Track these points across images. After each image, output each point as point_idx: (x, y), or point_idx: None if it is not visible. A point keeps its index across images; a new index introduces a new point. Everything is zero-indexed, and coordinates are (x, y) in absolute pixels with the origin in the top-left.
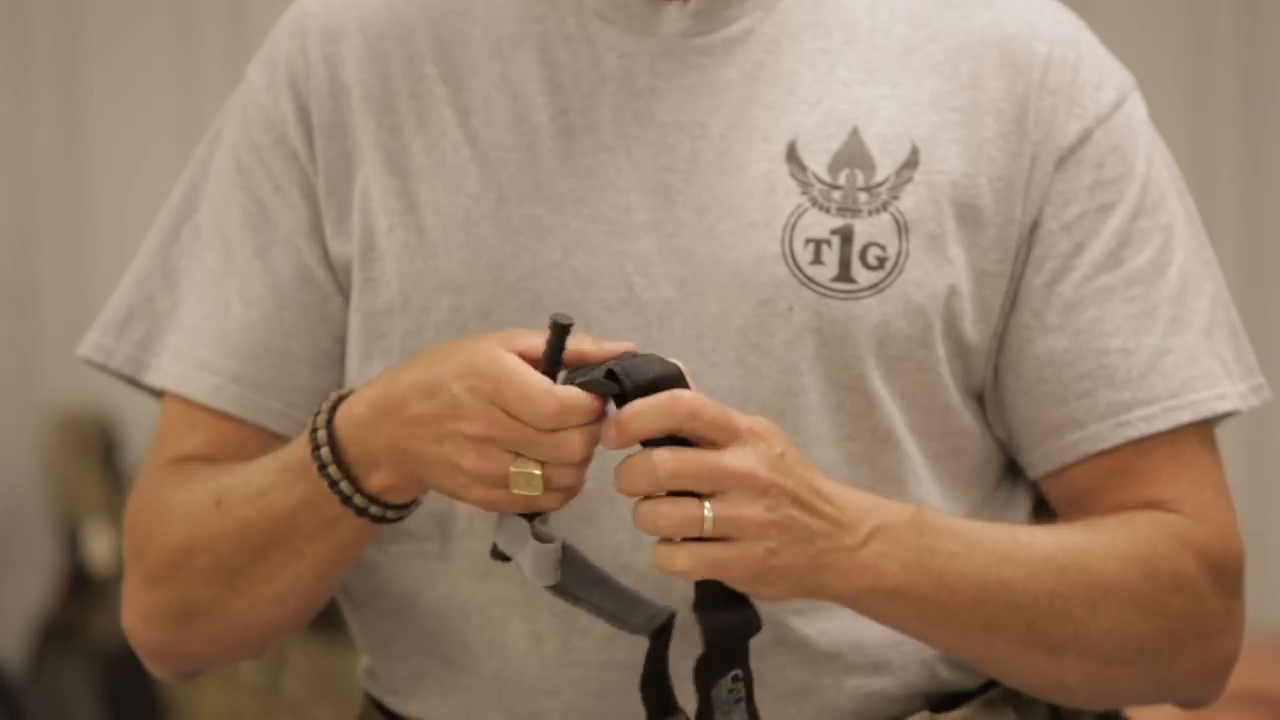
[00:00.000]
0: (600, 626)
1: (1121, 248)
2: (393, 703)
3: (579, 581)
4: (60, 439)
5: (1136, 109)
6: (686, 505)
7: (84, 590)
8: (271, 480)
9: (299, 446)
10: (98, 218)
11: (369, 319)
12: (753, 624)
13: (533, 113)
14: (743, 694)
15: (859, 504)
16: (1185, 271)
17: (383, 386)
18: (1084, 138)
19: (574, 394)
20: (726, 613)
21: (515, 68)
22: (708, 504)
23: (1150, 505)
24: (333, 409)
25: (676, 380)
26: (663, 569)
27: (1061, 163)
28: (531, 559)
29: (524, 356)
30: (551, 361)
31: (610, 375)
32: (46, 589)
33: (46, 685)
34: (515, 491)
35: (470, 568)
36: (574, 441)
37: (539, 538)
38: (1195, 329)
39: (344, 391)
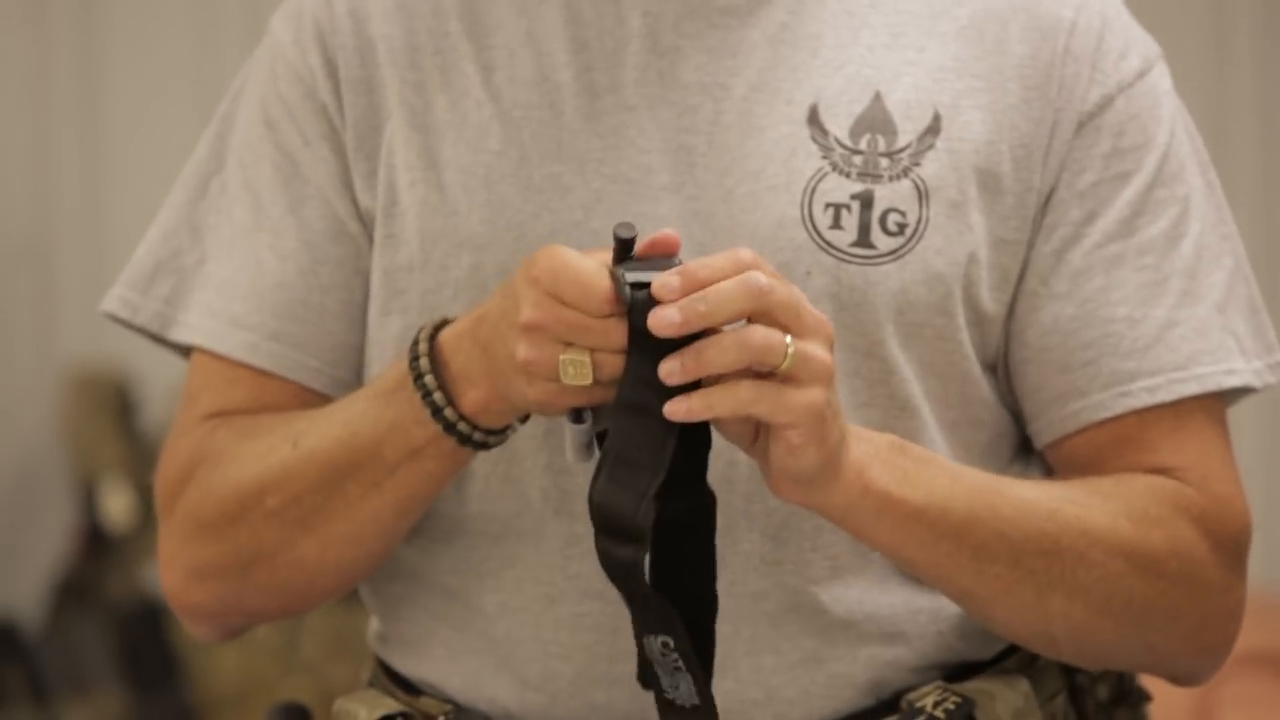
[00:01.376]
0: (613, 590)
1: (1135, 217)
2: (402, 665)
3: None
4: (77, 397)
5: (1161, 79)
6: (771, 330)
7: (100, 548)
8: (359, 409)
9: (393, 370)
10: (115, 175)
11: (389, 275)
12: (639, 564)
13: (556, 71)
14: (680, 665)
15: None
16: (1201, 245)
17: (483, 305)
18: (1104, 104)
19: (598, 277)
20: (620, 547)
21: (540, 25)
22: (789, 336)
23: (1152, 472)
24: (436, 327)
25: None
26: (715, 409)
27: (1080, 128)
28: (567, 436)
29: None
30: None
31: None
32: (63, 547)
33: (62, 643)
34: (565, 380)
35: (485, 529)
36: (621, 327)
37: (576, 418)
38: (1208, 303)
39: (449, 317)
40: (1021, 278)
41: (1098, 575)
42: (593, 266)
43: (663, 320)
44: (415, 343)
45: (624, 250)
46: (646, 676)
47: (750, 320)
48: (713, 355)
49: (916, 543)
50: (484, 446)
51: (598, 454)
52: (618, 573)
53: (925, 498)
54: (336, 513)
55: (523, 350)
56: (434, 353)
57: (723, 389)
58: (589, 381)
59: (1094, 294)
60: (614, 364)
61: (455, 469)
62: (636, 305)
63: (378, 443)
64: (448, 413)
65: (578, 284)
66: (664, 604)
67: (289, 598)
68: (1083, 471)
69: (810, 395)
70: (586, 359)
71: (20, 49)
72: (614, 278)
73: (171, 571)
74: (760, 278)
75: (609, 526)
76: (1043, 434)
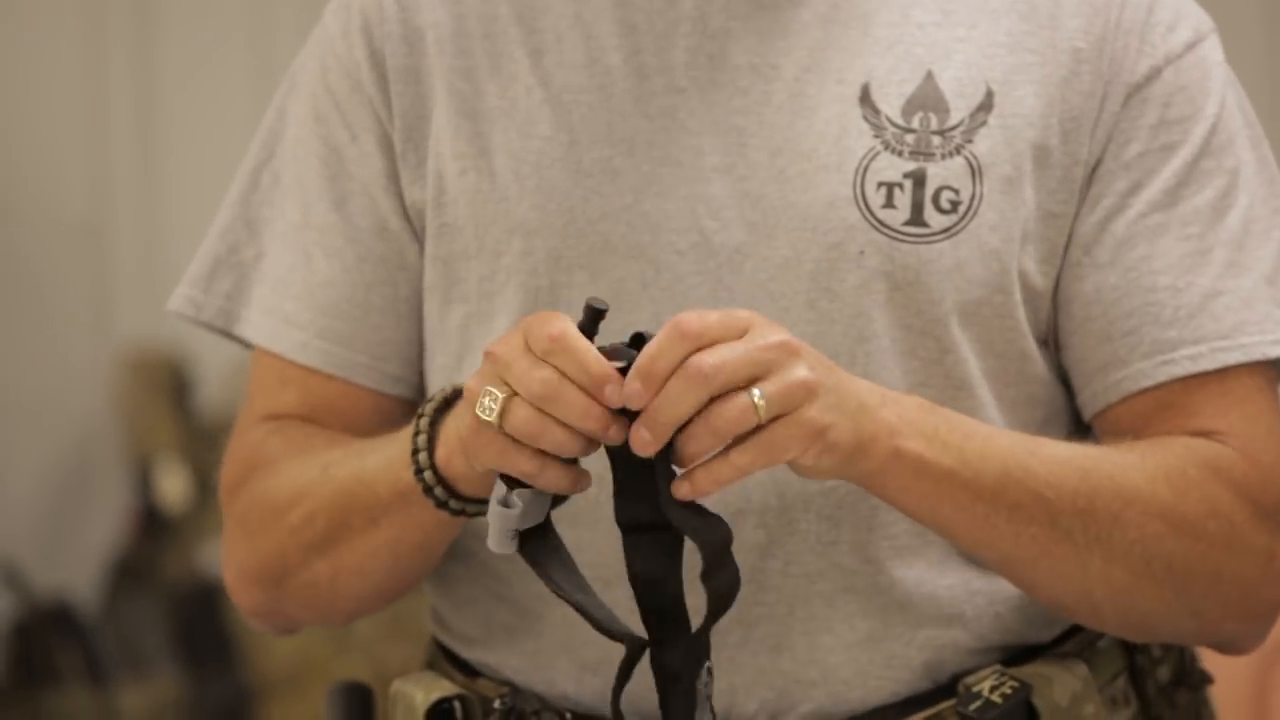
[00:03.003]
0: None
1: (1180, 187)
2: (460, 648)
3: (561, 576)
4: (133, 379)
5: (1212, 52)
6: (734, 399)
7: (155, 529)
8: (379, 443)
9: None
10: (172, 159)
11: (448, 265)
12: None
13: (605, 54)
14: (709, 691)
15: (857, 379)
16: (1250, 217)
17: None
18: (1152, 76)
19: (582, 340)
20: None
21: (589, 8)
22: (754, 389)
23: (1193, 435)
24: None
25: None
26: (721, 481)
27: (1128, 100)
28: (491, 521)
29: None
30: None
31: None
32: (118, 528)
33: (118, 624)
34: (476, 412)
35: None
36: (542, 371)
37: (504, 502)
38: (1255, 274)
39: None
40: (1066, 249)
41: (1135, 536)
42: (562, 317)
43: (642, 444)
44: (444, 388)
45: (592, 321)
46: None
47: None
48: (694, 448)
49: (953, 505)
50: (445, 507)
51: (514, 548)
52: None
53: (957, 458)
54: (342, 542)
55: (473, 379)
56: (449, 399)
57: (720, 463)
58: (492, 419)
59: (1136, 263)
60: (523, 414)
61: (440, 528)
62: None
63: (375, 478)
64: (420, 457)
65: (536, 321)
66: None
67: (318, 613)
68: (1124, 437)
69: (802, 421)
70: (502, 396)
71: (77, 35)
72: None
73: (227, 570)
74: (702, 363)
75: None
76: (1088, 405)
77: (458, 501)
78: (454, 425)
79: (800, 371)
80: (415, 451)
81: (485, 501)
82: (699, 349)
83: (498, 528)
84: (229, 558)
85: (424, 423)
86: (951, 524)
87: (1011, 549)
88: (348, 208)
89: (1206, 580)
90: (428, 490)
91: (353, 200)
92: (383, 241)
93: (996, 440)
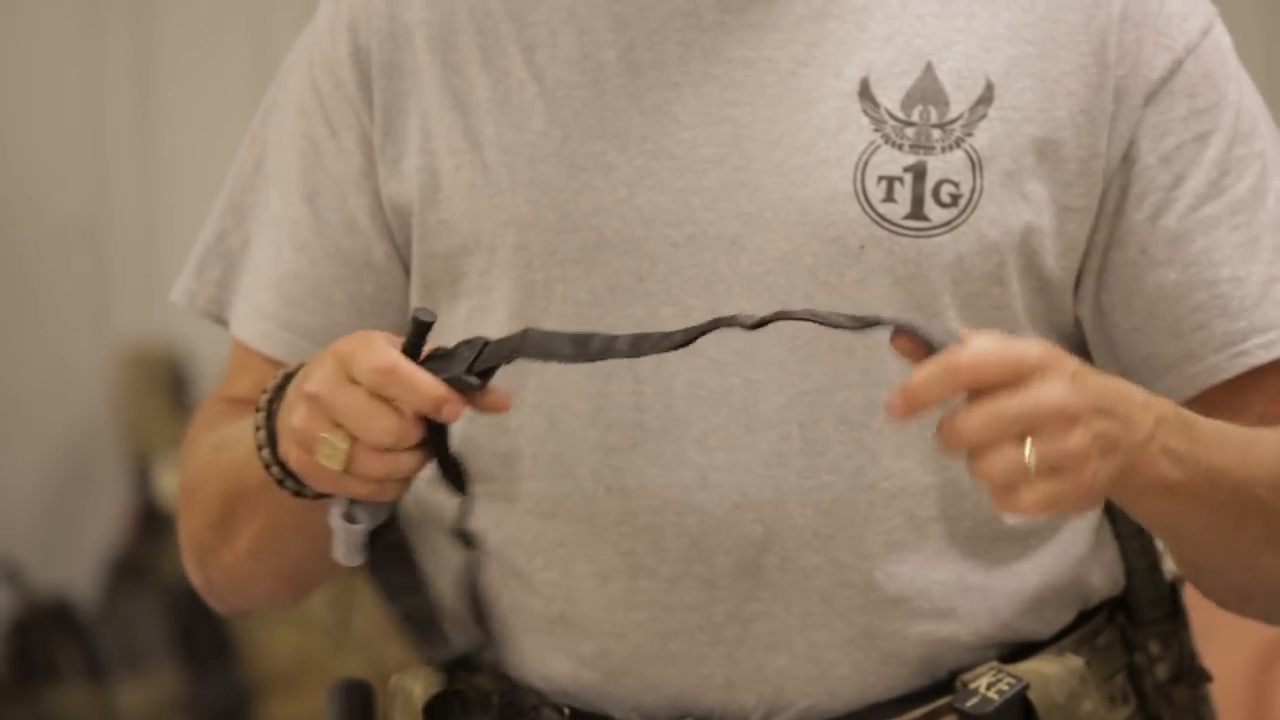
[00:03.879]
0: (666, 568)
1: (1222, 176)
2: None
3: (393, 577)
4: (131, 375)
5: (1222, 36)
6: (1006, 455)
7: (154, 526)
8: (246, 429)
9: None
10: (168, 156)
11: (449, 260)
12: None
13: (599, 49)
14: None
15: (1137, 398)
16: None
17: None
18: (1174, 69)
19: (410, 365)
20: None
21: (582, 3)
22: (1028, 447)
23: (1269, 424)
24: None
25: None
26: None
27: (1152, 96)
28: (335, 535)
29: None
30: (410, 352)
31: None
32: (117, 525)
33: (117, 622)
34: (318, 459)
35: (536, 507)
36: (385, 421)
37: (349, 517)
38: None
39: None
40: (1111, 247)
41: None
42: (383, 341)
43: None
44: (276, 376)
45: (419, 335)
46: None
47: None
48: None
49: (1190, 518)
50: (298, 494)
51: (361, 559)
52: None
53: (1204, 476)
54: (233, 527)
55: (297, 417)
56: (281, 390)
57: (1011, 499)
58: (339, 468)
59: (1196, 257)
60: (371, 460)
61: (309, 511)
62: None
63: (243, 468)
64: (264, 453)
65: (358, 354)
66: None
67: (239, 595)
68: None
69: (1069, 485)
70: (344, 446)
71: (74, 30)
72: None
73: (182, 547)
74: (967, 425)
75: None
76: None
77: (310, 490)
78: (287, 434)
79: (1072, 441)
80: (259, 448)
81: (308, 492)
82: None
83: (345, 542)
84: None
85: (261, 417)
86: (1184, 532)
87: (1229, 548)
88: (318, 202)
89: None
90: (280, 483)
91: (324, 195)
92: (350, 238)
93: (1229, 449)
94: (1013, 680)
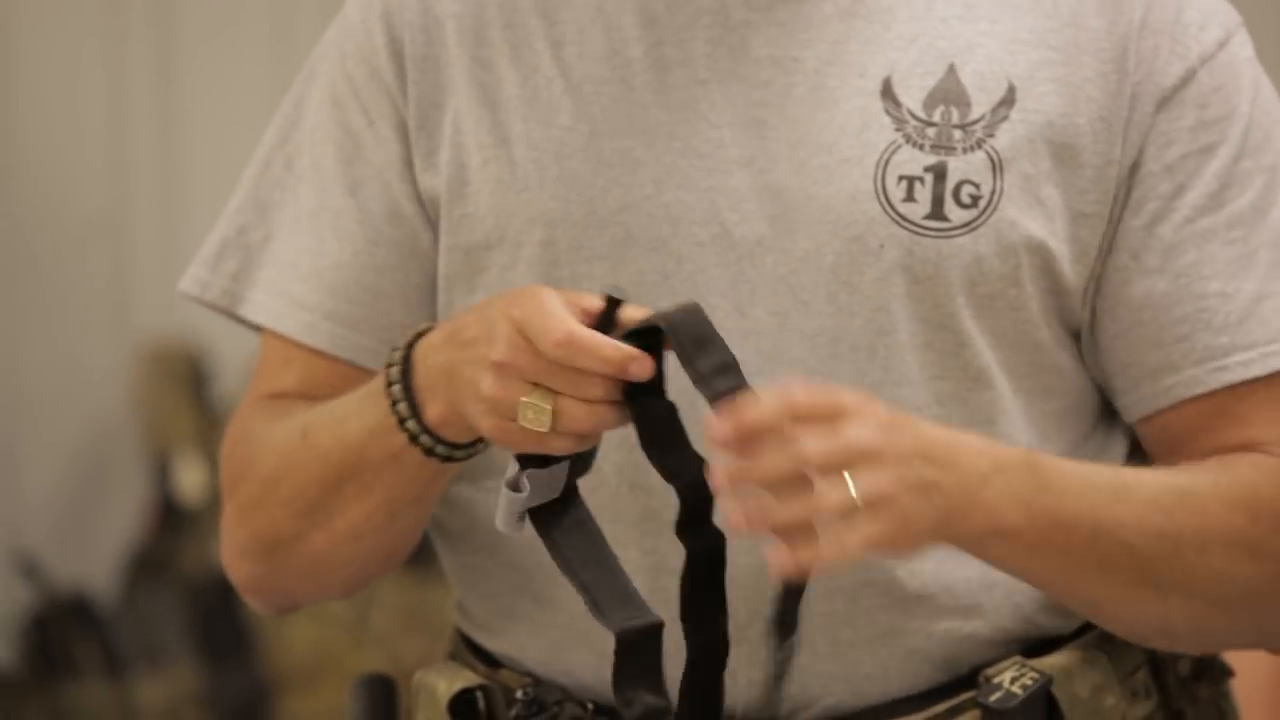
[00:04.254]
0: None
1: (1223, 190)
2: (482, 639)
3: (574, 549)
4: (151, 371)
5: (1242, 48)
6: (836, 487)
7: (174, 522)
8: (353, 407)
9: (378, 376)
10: (189, 152)
11: (470, 254)
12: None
13: (627, 45)
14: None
15: (971, 446)
16: None
17: (460, 314)
18: (1187, 78)
19: (589, 333)
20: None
21: (610, 0)
22: (849, 481)
23: (1248, 447)
24: (418, 335)
25: (703, 315)
26: (829, 559)
27: (1163, 103)
28: (500, 503)
29: (587, 313)
30: (600, 330)
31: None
32: (136, 520)
33: (136, 617)
34: (522, 424)
35: None
36: (588, 388)
37: (513, 485)
38: None
39: (433, 324)
40: (1110, 251)
41: (1216, 569)
42: (559, 310)
43: (734, 517)
44: (393, 349)
45: (608, 313)
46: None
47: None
48: (780, 517)
49: (1042, 562)
50: (450, 459)
51: (523, 528)
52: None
53: (1053, 520)
54: (336, 510)
55: (487, 385)
56: (408, 361)
57: (830, 543)
58: (545, 429)
59: (1186, 269)
60: (578, 413)
61: (437, 478)
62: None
63: (363, 445)
64: (410, 424)
65: (537, 324)
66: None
67: (314, 583)
68: (1175, 445)
69: (887, 519)
70: (549, 406)
71: (96, 28)
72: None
73: (225, 545)
74: (805, 447)
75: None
76: (1134, 408)
77: (461, 450)
78: (476, 403)
79: (888, 477)
80: (402, 420)
81: (471, 447)
82: (798, 420)
83: (507, 510)
84: (224, 534)
85: (399, 390)
86: (1039, 577)
87: (1097, 595)
88: (362, 192)
89: (1276, 597)
90: (429, 451)
91: (367, 185)
92: (396, 227)
93: (1089, 494)
94: (1036, 675)
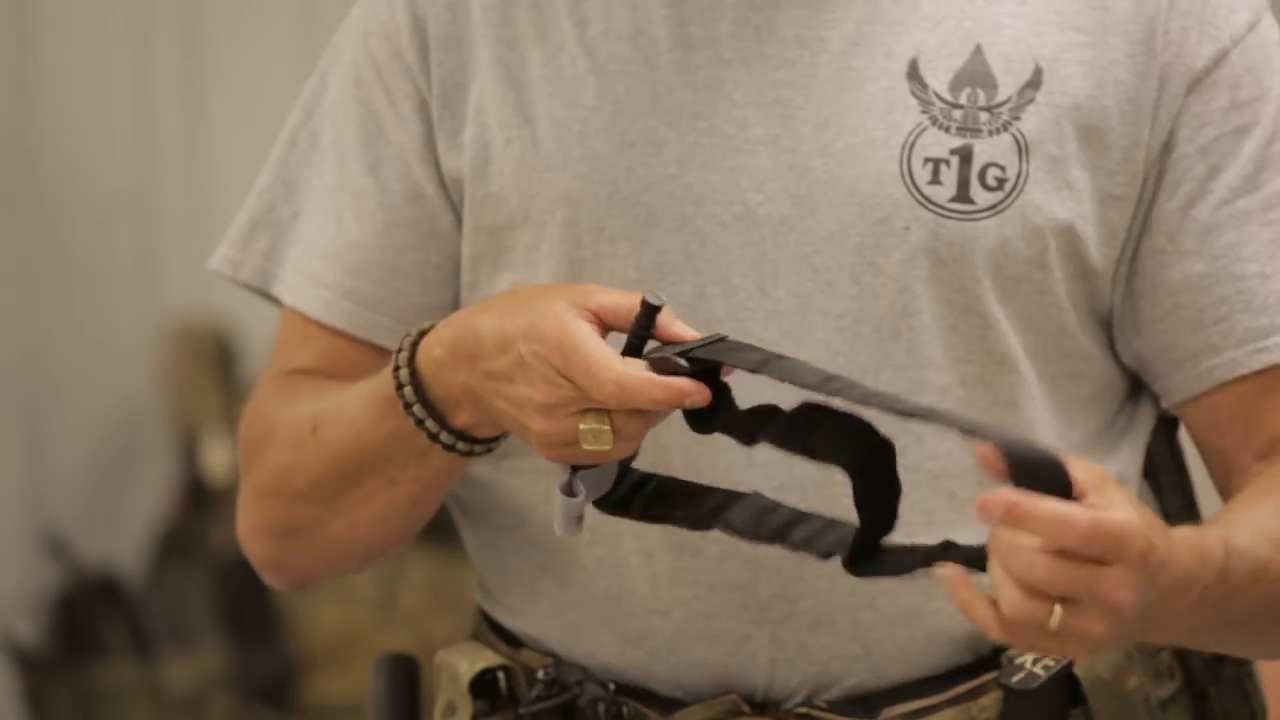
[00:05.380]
0: (711, 546)
1: (1258, 171)
2: (505, 619)
3: (674, 511)
4: (179, 350)
5: (1271, 30)
6: (1035, 604)
7: (202, 501)
8: (361, 413)
9: (384, 382)
10: (217, 130)
11: (494, 234)
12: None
13: (651, 25)
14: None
15: (1189, 572)
16: None
17: (459, 327)
18: (1219, 59)
19: (637, 377)
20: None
21: None
22: (1057, 613)
23: None
24: (414, 346)
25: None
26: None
27: (1195, 85)
28: (556, 509)
29: (599, 315)
30: (637, 338)
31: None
32: (164, 500)
33: (165, 595)
34: (586, 448)
35: None
36: (638, 424)
37: (567, 490)
38: None
39: (424, 327)
40: (1145, 234)
41: None
42: (600, 354)
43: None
44: (396, 368)
45: (648, 317)
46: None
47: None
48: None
49: (1213, 642)
50: (486, 452)
51: (584, 527)
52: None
53: (1227, 617)
54: (356, 500)
55: (538, 424)
56: (416, 379)
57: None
58: (610, 446)
59: (1224, 250)
60: (634, 423)
61: (461, 465)
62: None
63: (384, 445)
64: (444, 437)
65: (587, 375)
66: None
67: (332, 564)
68: (1220, 435)
69: (1073, 648)
70: (607, 426)
71: (123, 4)
72: (653, 363)
73: (240, 521)
74: (1058, 577)
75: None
76: (1175, 391)
77: (482, 445)
78: (530, 439)
79: (1101, 627)
80: (433, 435)
81: (503, 436)
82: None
83: (564, 514)
84: (241, 510)
85: (420, 410)
86: (1212, 645)
87: (1257, 641)
88: (382, 172)
89: None
90: (453, 449)
91: (387, 165)
92: (416, 207)
93: (1263, 579)
94: (1058, 656)
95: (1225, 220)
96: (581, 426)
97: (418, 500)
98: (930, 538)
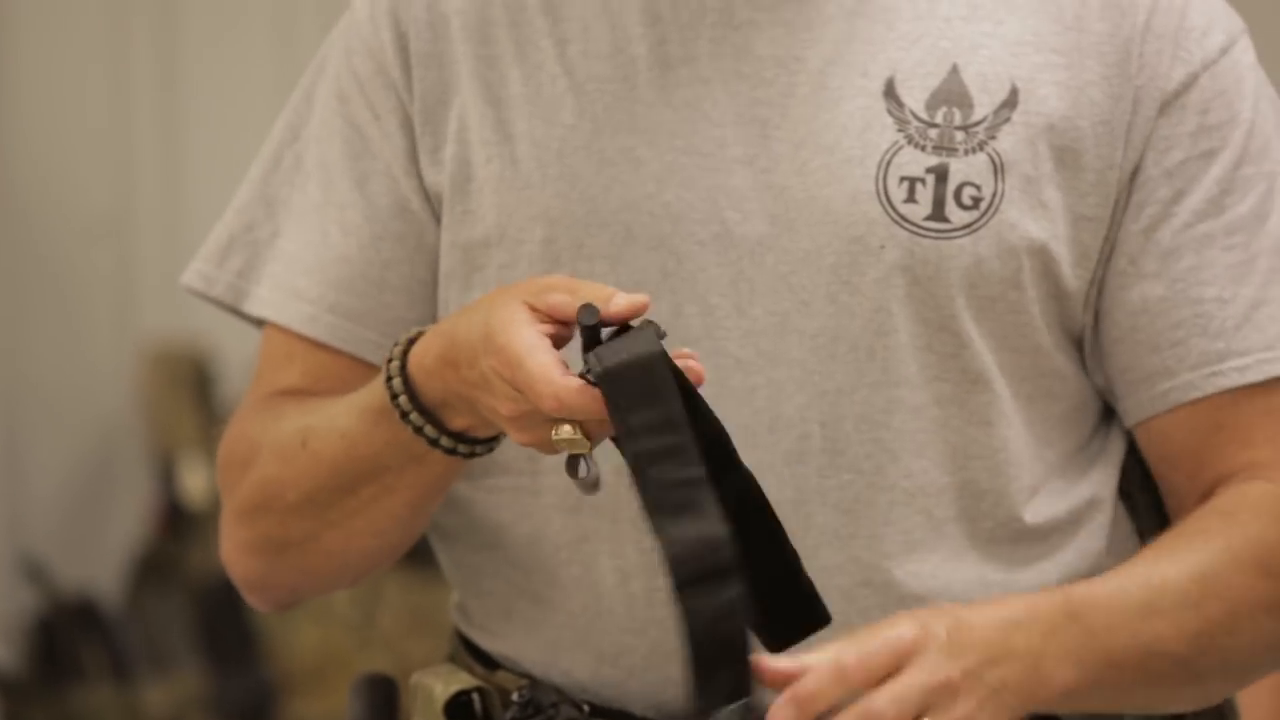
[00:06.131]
0: None
1: (1223, 195)
2: (481, 640)
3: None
4: (156, 372)
5: (1244, 54)
6: None
7: (179, 524)
8: (352, 424)
9: (376, 391)
10: (194, 153)
11: (468, 251)
12: (739, 617)
13: (630, 44)
14: None
15: (1017, 621)
16: None
17: (445, 336)
18: (1189, 83)
19: (574, 390)
20: (719, 589)
21: None
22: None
23: (1247, 468)
24: (404, 354)
25: (652, 362)
26: None
27: (1165, 108)
28: (578, 486)
29: (552, 315)
30: (590, 341)
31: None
32: (142, 523)
33: (143, 618)
34: (564, 450)
35: (560, 502)
36: (599, 407)
37: (573, 472)
38: None
39: (413, 334)
40: (1110, 256)
41: (1248, 642)
42: (540, 368)
43: None
44: (389, 378)
45: (591, 334)
46: None
47: None
48: None
49: (1096, 697)
50: (487, 452)
51: (601, 483)
52: (714, 625)
53: (1103, 661)
54: (352, 510)
55: (515, 432)
56: (409, 388)
57: None
58: (587, 449)
59: (1184, 274)
60: (605, 428)
61: (465, 465)
62: (615, 390)
63: (379, 455)
64: (444, 441)
65: (529, 388)
66: (746, 662)
67: (323, 579)
68: (1176, 462)
69: None
70: (579, 435)
71: (100, 30)
72: (587, 372)
73: (225, 542)
74: (874, 709)
75: (701, 570)
76: (1131, 413)
77: (483, 445)
78: (452, 390)
79: (963, 709)
80: (432, 441)
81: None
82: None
83: (585, 483)
84: (224, 532)
85: (417, 417)
86: (1094, 705)
87: (1148, 702)
88: (369, 186)
89: None
90: (454, 452)
91: (374, 180)
92: (402, 221)
93: (1130, 621)
94: None
95: (1186, 243)
96: (554, 436)
97: (416, 507)
98: (908, 558)
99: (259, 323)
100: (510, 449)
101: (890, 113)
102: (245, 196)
